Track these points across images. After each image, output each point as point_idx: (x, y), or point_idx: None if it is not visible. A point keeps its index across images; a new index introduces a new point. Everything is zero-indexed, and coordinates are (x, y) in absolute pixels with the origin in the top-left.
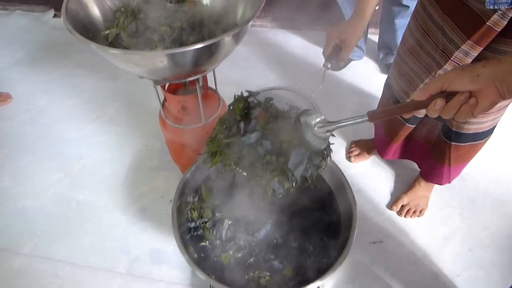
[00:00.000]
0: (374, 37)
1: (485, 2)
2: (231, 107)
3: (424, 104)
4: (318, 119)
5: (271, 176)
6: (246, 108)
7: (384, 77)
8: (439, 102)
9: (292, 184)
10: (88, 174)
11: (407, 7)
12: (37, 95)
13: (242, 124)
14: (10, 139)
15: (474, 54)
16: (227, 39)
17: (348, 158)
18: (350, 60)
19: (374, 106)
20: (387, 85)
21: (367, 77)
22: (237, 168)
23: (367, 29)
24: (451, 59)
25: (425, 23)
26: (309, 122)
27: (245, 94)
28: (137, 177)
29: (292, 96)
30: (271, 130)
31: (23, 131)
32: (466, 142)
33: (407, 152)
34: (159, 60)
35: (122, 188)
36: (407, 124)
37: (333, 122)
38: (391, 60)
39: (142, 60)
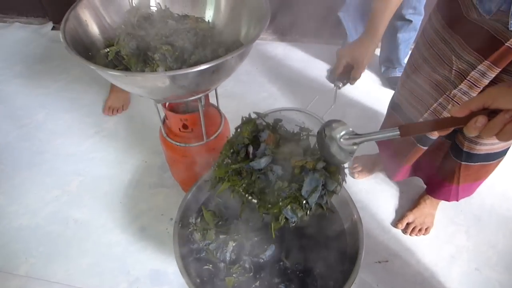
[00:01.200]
0: (377, 50)
1: (507, 23)
2: (239, 130)
3: (463, 121)
4: (344, 131)
5: (283, 204)
6: (254, 131)
7: (385, 90)
8: (481, 119)
9: (306, 212)
10: (86, 191)
11: (410, 21)
12: (34, 109)
13: (251, 148)
14: (6, 154)
15: (492, 75)
16: (231, 59)
17: (352, 174)
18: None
19: (375, 120)
20: (394, 105)
21: (368, 90)
22: (246, 195)
23: None
24: (467, 79)
25: (435, 43)
26: (334, 134)
27: (253, 116)
28: (136, 195)
29: (302, 118)
30: (281, 154)
31: (19, 146)
32: (477, 162)
33: (414, 170)
34: (161, 81)
35: (121, 206)
36: (418, 145)
37: (361, 134)
38: (393, 73)
39: (143, 81)
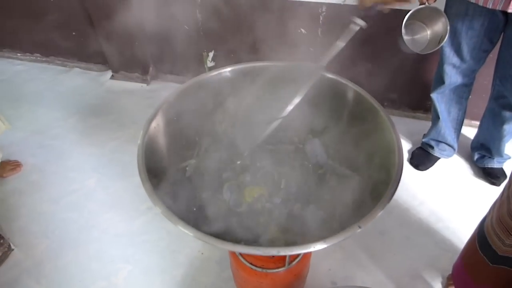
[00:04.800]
0: (468, 130)
1: None
2: None
3: None
4: None
5: None
6: None
7: (479, 183)
8: None
9: None
10: (134, 287)
11: None
12: (86, 172)
13: None
14: (53, 226)
15: None
16: None
17: None
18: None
19: (466, 217)
20: (482, 237)
21: (457, 180)
22: None
23: (460, 127)
24: None
25: None
26: None
27: None
28: None
29: None
30: None
31: (67, 217)
32: None
33: None
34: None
35: None
36: None
37: None
38: (490, 164)
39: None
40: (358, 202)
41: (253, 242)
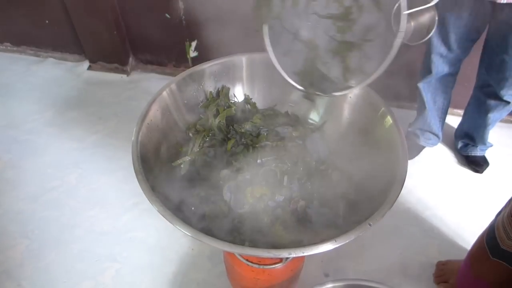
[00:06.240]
0: (450, 118)
1: None
2: None
3: None
4: None
5: None
6: None
7: (463, 170)
8: None
9: None
10: (123, 285)
11: (507, 102)
12: (66, 168)
13: None
14: (33, 225)
15: None
16: None
17: (438, 286)
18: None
19: (451, 207)
20: (491, 229)
21: (441, 168)
22: None
23: (445, 116)
24: None
25: None
26: None
27: None
28: None
29: None
30: None
31: (47, 216)
32: None
33: None
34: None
35: None
36: None
37: None
38: (473, 152)
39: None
40: (362, 197)
41: (258, 242)
